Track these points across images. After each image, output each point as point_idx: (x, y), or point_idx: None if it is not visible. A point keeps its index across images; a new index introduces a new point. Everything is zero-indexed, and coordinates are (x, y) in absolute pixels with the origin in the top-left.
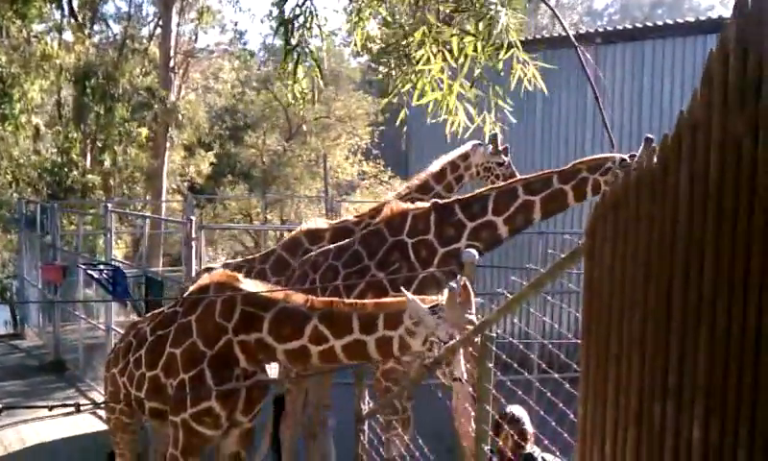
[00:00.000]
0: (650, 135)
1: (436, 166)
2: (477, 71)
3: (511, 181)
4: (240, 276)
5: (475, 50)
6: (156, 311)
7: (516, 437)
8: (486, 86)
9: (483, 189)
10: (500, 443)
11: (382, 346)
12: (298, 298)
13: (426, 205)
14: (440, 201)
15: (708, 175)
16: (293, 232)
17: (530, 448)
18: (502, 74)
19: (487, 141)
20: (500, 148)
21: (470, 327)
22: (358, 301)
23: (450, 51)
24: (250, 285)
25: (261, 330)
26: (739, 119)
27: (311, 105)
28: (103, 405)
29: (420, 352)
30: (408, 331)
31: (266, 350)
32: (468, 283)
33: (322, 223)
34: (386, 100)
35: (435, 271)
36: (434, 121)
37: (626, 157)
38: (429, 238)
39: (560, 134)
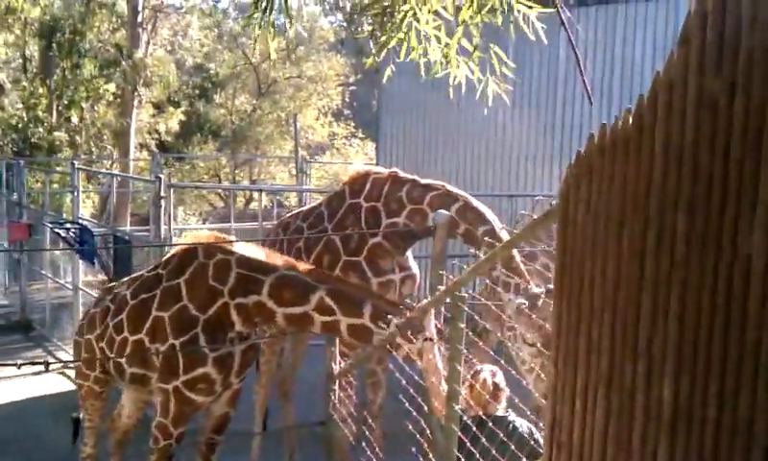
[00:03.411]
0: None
1: None
2: (473, 29)
3: (462, 194)
4: (226, 236)
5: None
6: (134, 275)
7: (490, 391)
8: (485, 47)
9: (439, 183)
10: (471, 402)
11: (385, 341)
12: (295, 265)
13: (387, 171)
14: (399, 173)
15: (684, 135)
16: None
17: (502, 408)
18: (501, 28)
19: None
20: None
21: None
22: (364, 285)
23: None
24: (241, 248)
25: (260, 294)
26: (716, 80)
27: (282, 63)
28: (72, 369)
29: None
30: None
31: (265, 312)
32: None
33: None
34: (370, 59)
35: (381, 240)
36: (406, 77)
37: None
38: (378, 206)
39: (531, 94)
